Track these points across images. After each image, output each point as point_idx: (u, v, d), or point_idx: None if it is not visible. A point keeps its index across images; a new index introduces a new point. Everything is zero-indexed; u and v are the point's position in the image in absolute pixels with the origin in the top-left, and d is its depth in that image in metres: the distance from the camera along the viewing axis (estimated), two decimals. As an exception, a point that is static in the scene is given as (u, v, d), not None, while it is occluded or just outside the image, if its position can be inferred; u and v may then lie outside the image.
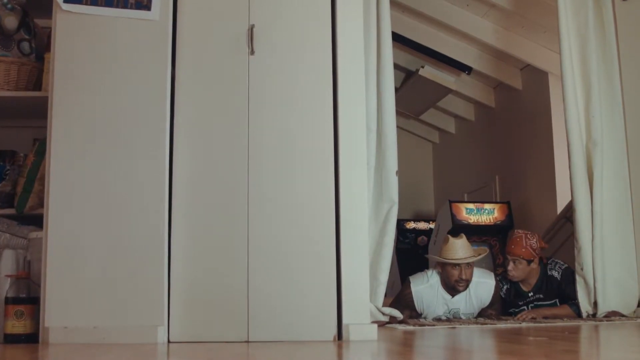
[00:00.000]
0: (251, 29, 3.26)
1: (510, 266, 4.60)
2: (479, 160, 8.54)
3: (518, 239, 4.63)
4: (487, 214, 7.39)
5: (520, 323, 4.11)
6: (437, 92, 7.69)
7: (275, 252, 3.13)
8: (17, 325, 3.00)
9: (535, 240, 4.62)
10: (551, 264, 4.69)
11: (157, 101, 3.16)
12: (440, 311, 4.52)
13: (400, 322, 4.12)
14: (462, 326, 3.89)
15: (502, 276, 4.79)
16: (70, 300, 2.99)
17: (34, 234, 3.22)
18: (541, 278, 4.65)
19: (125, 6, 3.18)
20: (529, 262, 4.58)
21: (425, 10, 6.55)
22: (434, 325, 3.98)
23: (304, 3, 3.33)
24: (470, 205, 7.47)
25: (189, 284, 3.08)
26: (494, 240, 7.24)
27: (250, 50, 3.25)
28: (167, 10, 3.22)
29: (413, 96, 7.83)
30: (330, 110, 3.24)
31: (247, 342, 3.04)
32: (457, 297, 4.50)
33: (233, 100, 3.23)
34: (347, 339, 3.03)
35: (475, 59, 7.25)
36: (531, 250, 4.57)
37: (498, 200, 7.79)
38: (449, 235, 4.56)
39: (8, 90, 3.53)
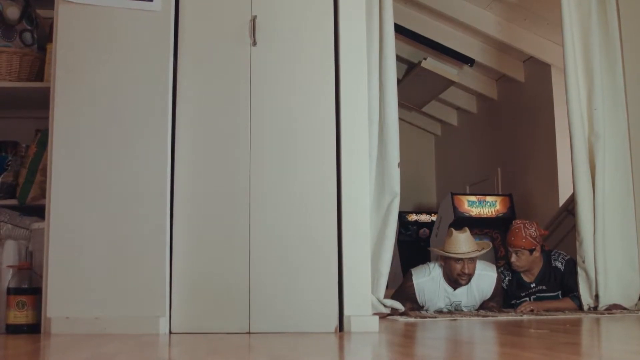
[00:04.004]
0: (253, 20, 3.25)
1: (513, 258, 4.62)
2: (481, 153, 8.52)
3: (517, 230, 4.63)
4: (489, 207, 7.38)
5: (521, 315, 4.11)
6: (439, 84, 7.67)
7: (276, 244, 3.13)
8: (19, 316, 3.00)
9: (534, 228, 4.63)
10: (555, 254, 4.69)
11: (159, 92, 3.15)
12: (441, 304, 4.52)
13: (402, 314, 4.13)
14: (464, 318, 3.90)
15: (503, 268, 4.79)
16: (72, 290, 2.99)
17: (36, 225, 3.22)
18: (544, 269, 4.65)
19: (127, -3, 3.17)
20: (531, 251, 4.60)
21: (428, 2, 6.54)
22: (435, 317, 3.98)
23: (306, -6, 3.32)
24: (472, 198, 7.46)
25: (190, 275, 3.09)
26: (495, 233, 7.23)
27: (252, 41, 3.25)
28: (169, 0, 3.21)
29: (415, 88, 7.82)
30: (332, 101, 3.24)
31: (249, 333, 3.04)
32: (458, 289, 4.51)
33: (235, 91, 3.23)
34: (349, 331, 3.04)
35: (478, 51, 7.24)
36: (531, 240, 4.58)
37: (500, 192, 7.79)
38: (453, 229, 4.55)
39: (10, 80, 3.52)
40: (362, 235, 3.19)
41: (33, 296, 3.03)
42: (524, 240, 4.58)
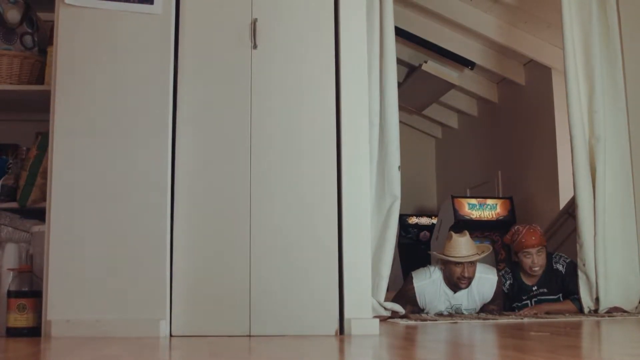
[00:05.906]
0: (254, 22, 3.25)
1: (536, 259, 4.56)
2: (481, 156, 8.53)
3: (532, 230, 4.62)
4: (489, 210, 7.38)
5: (522, 319, 4.11)
6: (440, 87, 7.67)
7: (277, 247, 3.13)
8: (19, 319, 3.00)
9: (538, 227, 4.69)
10: (556, 257, 4.69)
11: (159, 95, 3.15)
12: (442, 306, 4.52)
13: (402, 316, 4.12)
14: (464, 321, 3.90)
15: (504, 271, 4.79)
16: (72, 293, 2.99)
17: (36, 228, 3.22)
18: (545, 272, 4.64)
19: (127, 0, 3.18)
20: (545, 247, 4.63)
21: (429, 5, 6.54)
22: (435, 320, 3.98)
23: (307, -3, 3.33)
24: (473, 201, 7.46)
25: (191, 278, 3.08)
26: (496, 236, 7.23)
27: (252, 44, 3.25)
28: (170, 3, 3.21)
29: (416, 91, 7.82)
30: (332, 104, 3.24)
31: (249, 336, 3.04)
32: (459, 292, 4.50)
33: (235, 93, 3.23)
34: (349, 334, 3.03)
35: (479, 54, 7.24)
36: (544, 236, 4.65)
37: (500, 195, 7.79)
38: (452, 233, 4.55)
39: (11, 83, 3.53)
40: (363, 238, 3.18)
41: (34, 299, 3.03)
42: (542, 237, 4.62)
